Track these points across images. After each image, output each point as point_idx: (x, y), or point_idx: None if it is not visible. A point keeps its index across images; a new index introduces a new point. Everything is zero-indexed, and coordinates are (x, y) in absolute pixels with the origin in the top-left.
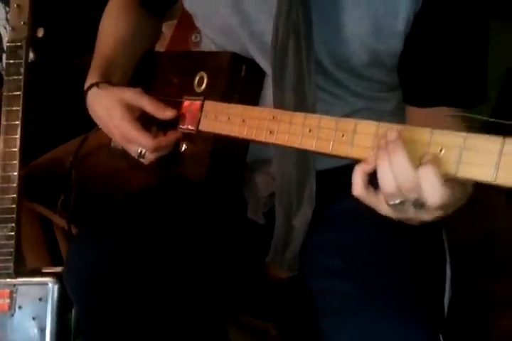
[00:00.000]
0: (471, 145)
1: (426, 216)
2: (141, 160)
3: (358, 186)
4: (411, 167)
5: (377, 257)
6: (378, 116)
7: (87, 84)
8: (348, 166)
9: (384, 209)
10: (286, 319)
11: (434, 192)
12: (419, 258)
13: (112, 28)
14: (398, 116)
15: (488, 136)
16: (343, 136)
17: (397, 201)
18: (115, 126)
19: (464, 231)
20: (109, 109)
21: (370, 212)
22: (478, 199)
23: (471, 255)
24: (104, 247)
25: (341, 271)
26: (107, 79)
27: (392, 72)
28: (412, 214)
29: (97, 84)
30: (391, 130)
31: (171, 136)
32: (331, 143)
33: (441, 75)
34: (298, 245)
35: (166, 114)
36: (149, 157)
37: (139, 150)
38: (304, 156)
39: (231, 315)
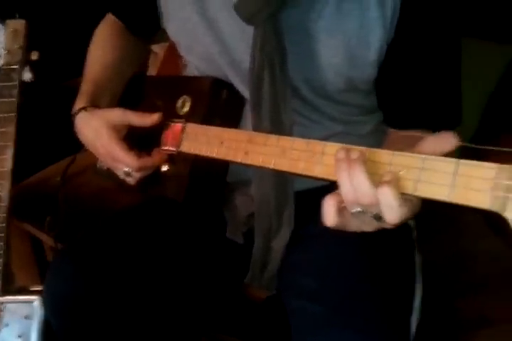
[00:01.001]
0: (429, 166)
1: (388, 225)
2: (128, 179)
3: (330, 215)
4: (370, 184)
5: (348, 278)
6: (356, 139)
7: (75, 109)
8: (326, 187)
9: (352, 225)
10: (264, 338)
11: (391, 212)
12: (389, 279)
13: (99, 53)
14: (375, 138)
15: (444, 157)
16: (313, 157)
17: (359, 209)
18: (102, 146)
19: (439, 251)
20: (97, 130)
21: (345, 233)
22: (455, 220)
23: (444, 274)
24: (81, 269)
25: (313, 292)
26: (95, 104)
27: (367, 97)
28: (375, 225)
29: (84, 109)
30: (354, 149)
31: (156, 156)
32: (302, 163)
33: (417, 100)
34: (276, 265)
35: (153, 118)
36: (135, 176)
37: (125, 170)
38: (282, 178)
39: (212, 335)
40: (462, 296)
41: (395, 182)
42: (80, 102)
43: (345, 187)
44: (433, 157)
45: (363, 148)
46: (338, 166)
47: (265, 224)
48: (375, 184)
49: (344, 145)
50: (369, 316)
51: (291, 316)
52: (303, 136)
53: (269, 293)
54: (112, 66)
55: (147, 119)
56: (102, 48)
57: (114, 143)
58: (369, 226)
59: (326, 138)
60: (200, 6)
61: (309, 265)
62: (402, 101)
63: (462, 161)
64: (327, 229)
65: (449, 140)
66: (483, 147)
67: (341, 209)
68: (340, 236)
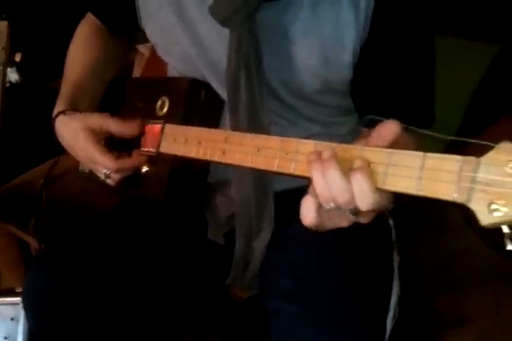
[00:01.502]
0: (396, 160)
1: (363, 219)
2: (108, 181)
3: (309, 215)
4: (344, 180)
5: (324, 279)
6: (334, 140)
7: (54, 112)
8: (305, 187)
9: (328, 223)
10: (246, 338)
11: (365, 199)
12: (365, 279)
13: (79, 55)
14: (353, 138)
15: (411, 151)
16: (287, 154)
17: (333, 205)
18: (81, 149)
19: (419, 250)
20: (75, 133)
21: (324, 234)
22: (436, 220)
23: (423, 273)
24: (59, 271)
25: (290, 292)
26: (74, 107)
27: (344, 98)
28: (351, 219)
29: (63, 112)
30: (325, 149)
31: (134, 158)
32: (277, 160)
33: (390, 100)
34: (257, 265)
35: (132, 130)
36: (114, 177)
37: (105, 172)
38: (262, 179)
39: (194, 335)
40: (439, 295)
41: (366, 168)
42: (59, 105)
43: (320, 186)
44: (400, 151)
45: (334, 145)
46: (311, 167)
47: (246, 224)
48: (348, 178)
49: (317, 141)
50: (344, 316)
51: (270, 316)
52: (281, 136)
53: (250, 293)
54: (91, 67)
55: (125, 129)
56: (82, 49)
57: (92, 146)
58: (345, 221)
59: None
60: (178, 8)
61: (288, 265)
62: (376, 101)
63: (429, 154)
64: (307, 230)
65: (392, 128)
66: (453, 138)
67: (319, 209)
68: (319, 236)
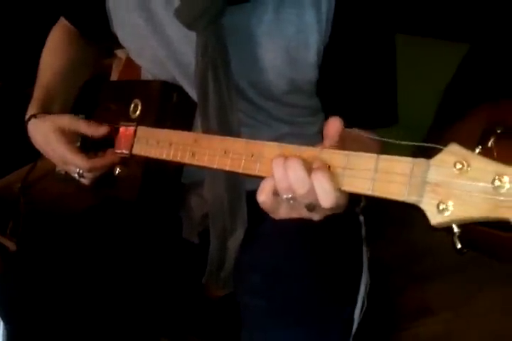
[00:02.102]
0: (352, 162)
1: (316, 216)
2: (82, 180)
3: (264, 192)
4: (305, 171)
5: (292, 273)
6: (304, 140)
7: (27, 116)
8: None
9: (282, 211)
10: (222, 336)
11: (327, 197)
12: (333, 273)
13: (51, 59)
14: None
15: (365, 153)
16: (252, 156)
17: (290, 195)
18: (53, 150)
19: (390, 244)
20: (47, 135)
21: (294, 230)
22: (404, 217)
23: (393, 267)
24: (31, 272)
25: (259, 287)
26: (46, 110)
27: (312, 98)
28: (304, 213)
29: (35, 116)
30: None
31: (105, 157)
32: (243, 162)
33: (354, 99)
34: (232, 264)
35: (99, 131)
36: (87, 177)
37: (78, 171)
38: (234, 179)
39: (171, 334)
40: (406, 288)
41: (326, 168)
42: (31, 109)
43: (279, 174)
44: (355, 153)
45: (296, 147)
46: (274, 160)
47: (219, 224)
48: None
49: (281, 144)
50: (311, 308)
51: (241, 312)
52: (251, 136)
53: (226, 291)
54: (61, 72)
55: (93, 130)
56: (53, 54)
57: (63, 146)
58: (297, 213)
59: (274, 139)
60: (146, 11)
61: (258, 262)
62: (340, 101)
63: (382, 156)
64: (278, 228)
65: (335, 126)
66: (409, 143)
67: (274, 194)
68: (290, 233)
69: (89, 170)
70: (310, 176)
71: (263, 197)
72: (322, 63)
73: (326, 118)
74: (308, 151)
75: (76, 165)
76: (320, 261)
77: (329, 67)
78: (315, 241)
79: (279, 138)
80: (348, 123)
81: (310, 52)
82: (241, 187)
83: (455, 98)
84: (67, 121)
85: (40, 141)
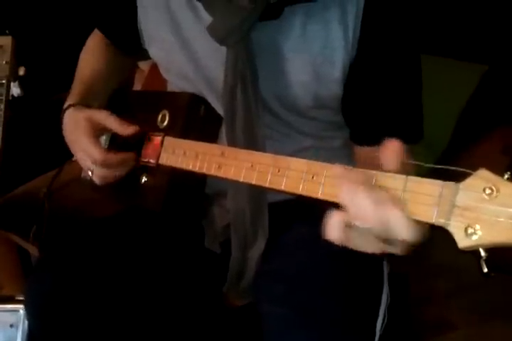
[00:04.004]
0: (380, 183)
1: (394, 249)
2: (93, 177)
3: (334, 228)
4: (381, 207)
5: (316, 284)
6: (327, 154)
7: (65, 105)
8: (298, 199)
9: (358, 243)
10: None
11: (403, 229)
12: (356, 284)
13: (91, 59)
14: (345, 152)
15: (394, 174)
16: (279, 170)
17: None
18: (77, 137)
19: (408, 261)
20: (77, 123)
21: (317, 242)
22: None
23: (411, 282)
24: (59, 277)
25: (282, 296)
26: (85, 104)
27: (337, 114)
28: (381, 246)
29: (73, 105)
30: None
31: (121, 154)
32: (269, 176)
33: (379, 116)
34: (252, 274)
35: (129, 129)
36: (97, 173)
37: (90, 165)
38: (256, 191)
39: None
40: (426, 303)
41: (396, 201)
42: (71, 99)
43: (351, 206)
44: (383, 173)
45: (323, 164)
46: (340, 185)
47: (241, 234)
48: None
49: (310, 161)
50: (334, 319)
51: (263, 321)
52: (275, 149)
53: (245, 300)
54: (101, 73)
55: (125, 129)
56: (92, 55)
57: (87, 135)
58: (373, 246)
59: (297, 152)
60: (175, 27)
61: (280, 272)
62: (365, 117)
63: (411, 178)
64: (300, 238)
65: (396, 149)
66: (440, 166)
67: (347, 225)
68: (312, 245)
69: (102, 163)
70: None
71: (335, 233)
72: (347, 79)
73: (351, 133)
74: (334, 169)
75: (91, 155)
76: (342, 272)
77: (354, 82)
78: (337, 255)
79: (302, 151)
80: (371, 141)
81: (335, 69)
82: (263, 199)
83: (472, 119)
84: (104, 115)
85: (69, 129)
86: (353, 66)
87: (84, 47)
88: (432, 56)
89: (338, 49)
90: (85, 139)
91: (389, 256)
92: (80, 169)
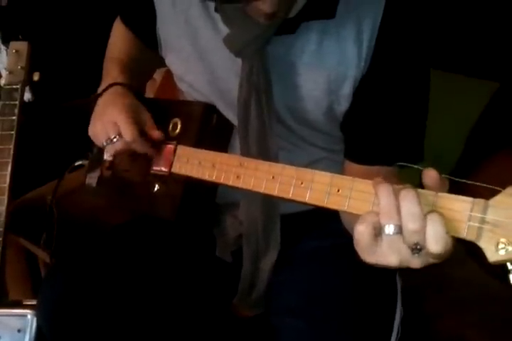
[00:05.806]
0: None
1: (417, 262)
2: (107, 147)
3: (364, 223)
4: (420, 206)
5: (330, 296)
6: (339, 165)
7: (105, 84)
8: (310, 211)
9: (378, 249)
10: None
11: (438, 240)
12: (370, 297)
13: (122, 46)
14: None
15: (423, 190)
16: (302, 183)
17: (393, 229)
18: (112, 111)
19: (420, 276)
20: (122, 98)
21: (330, 254)
22: None
23: (424, 296)
24: (72, 285)
25: (296, 308)
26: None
27: None
28: (404, 256)
29: (121, 84)
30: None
31: (147, 146)
32: (292, 188)
33: (380, 135)
34: (263, 286)
35: (155, 133)
36: (116, 146)
37: (112, 136)
38: (269, 202)
39: None
40: (439, 317)
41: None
42: (119, 78)
43: (387, 201)
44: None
45: (348, 178)
46: (380, 186)
47: (253, 245)
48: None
49: (334, 174)
50: (349, 333)
51: (274, 332)
52: (288, 160)
53: (256, 311)
54: (135, 58)
55: (151, 130)
56: (123, 41)
57: (126, 114)
58: (396, 254)
59: (310, 163)
60: (193, 37)
61: (293, 283)
62: (365, 136)
63: (441, 194)
64: (313, 250)
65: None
66: (459, 180)
67: (375, 228)
68: (324, 257)
69: (130, 139)
70: (425, 216)
71: (362, 227)
72: (354, 95)
73: (346, 149)
74: (362, 184)
75: (124, 128)
76: (357, 285)
77: (360, 99)
78: (351, 268)
79: (315, 163)
80: (371, 160)
81: (347, 85)
82: (276, 210)
83: (483, 136)
84: (143, 108)
85: (108, 98)
86: (361, 82)
87: (112, 33)
88: (444, 72)
89: (351, 66)
90: (123, 114)
91: (401, 270)
92: (84, 176)
